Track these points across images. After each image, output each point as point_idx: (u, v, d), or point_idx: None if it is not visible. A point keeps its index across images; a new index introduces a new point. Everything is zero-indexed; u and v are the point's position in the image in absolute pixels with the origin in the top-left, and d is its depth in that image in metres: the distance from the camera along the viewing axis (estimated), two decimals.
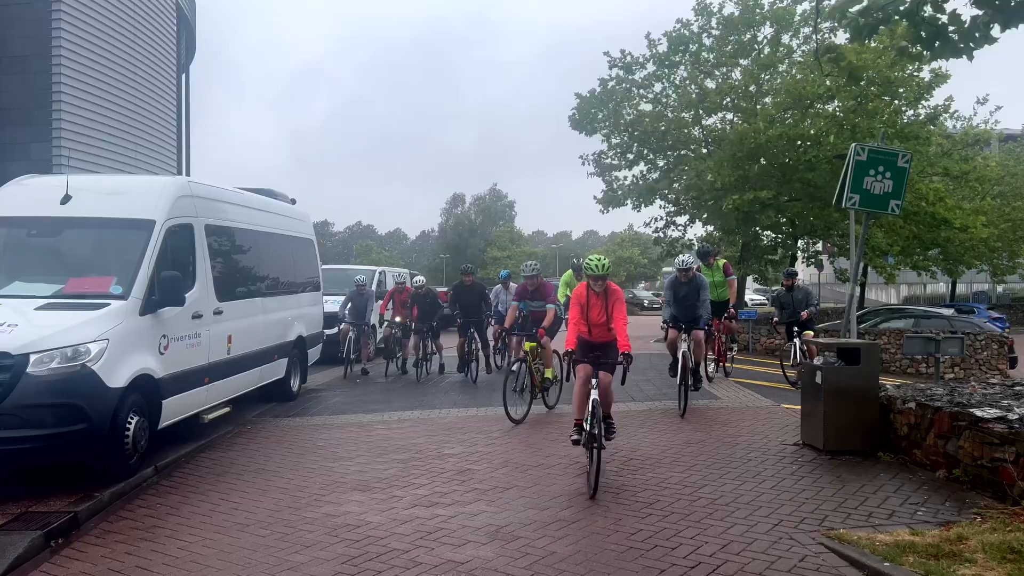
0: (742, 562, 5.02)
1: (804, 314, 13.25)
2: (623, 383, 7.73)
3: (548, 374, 10.31)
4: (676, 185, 23.62)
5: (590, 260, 7.33)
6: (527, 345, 10.08)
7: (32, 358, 6.41)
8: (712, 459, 7.69)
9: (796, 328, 13.17)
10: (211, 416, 9.03)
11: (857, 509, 6.07)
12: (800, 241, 26.27)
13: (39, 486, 6.60)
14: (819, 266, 35.23)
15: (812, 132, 20.90)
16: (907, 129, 20.82)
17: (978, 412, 6.60)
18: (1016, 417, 6.33)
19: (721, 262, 13.42)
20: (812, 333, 13.36)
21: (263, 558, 5.28)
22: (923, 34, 6.67)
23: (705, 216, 24.15)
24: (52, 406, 6.40)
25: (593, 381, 6.89)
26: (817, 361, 8.03)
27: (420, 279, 15.29)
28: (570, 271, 16.01)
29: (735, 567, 4.94)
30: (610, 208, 24.79)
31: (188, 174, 20.37)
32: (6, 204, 8.22)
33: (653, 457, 7.78)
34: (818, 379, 7.85)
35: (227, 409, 9.51)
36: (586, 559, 5.11)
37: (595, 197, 24.91)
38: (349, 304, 15.03)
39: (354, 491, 6.83)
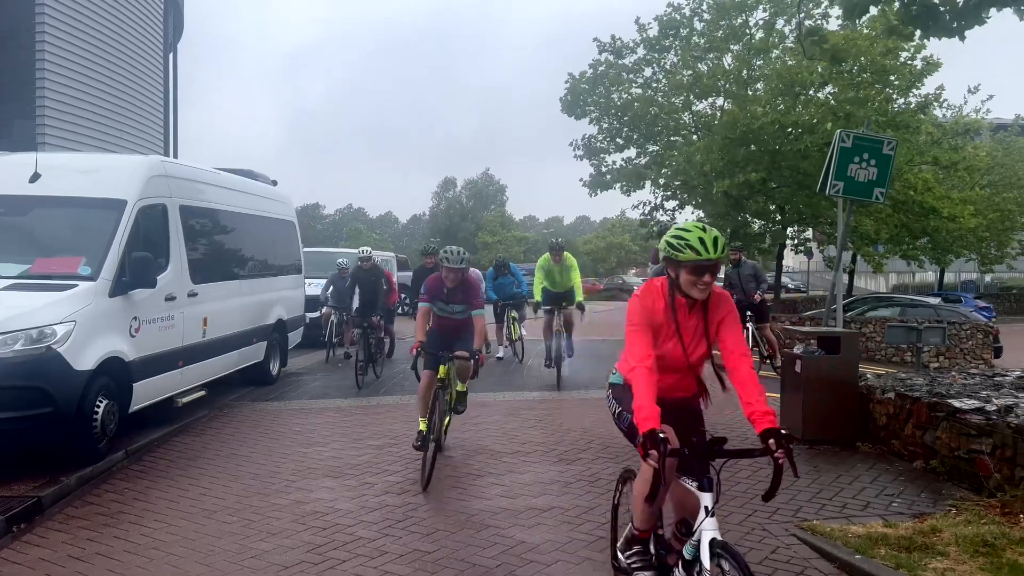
0: None
1: (756, 296, 12.52)
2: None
3: (460, 387, 7.61)
4: (666, 170, 23.50)
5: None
6: (440, 371, 6.94)
7: None
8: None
9: (749, 312, 12.37)
10: (185, 400, 8.90)
11: (832, 500, 6.01)
12: (789, 229, 26.23)
13: (3, 470, 6.47)
14: (808, 254, 35.24)
15: (805, 119, 20.79)
16: (898, 117, 20.73)
17: (956, 403, 6.54)
18: (994, 408, 6.28)
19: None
20: (768, 326, 12.74)
21: (227, 545, 5.19)
22: (915, 13, 6.57)
23: (695, 201, 24.07)
24: (16, 388, 6.26)
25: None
26: (797, 350, 7.96)
27: (365, 249, 13.28)
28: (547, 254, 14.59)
29: None
30: (598, 191, 24.66)
31: (176, 154, 20.13)
32: None
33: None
34: (798, 368, 7.78)
35: (202, 393, 9.39)
36: (555, 548, 5.04)
37: (582, 180, 24.76)
38: (331, 287, 14.87)
39: (326, 477, 6.74)
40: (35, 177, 7.80)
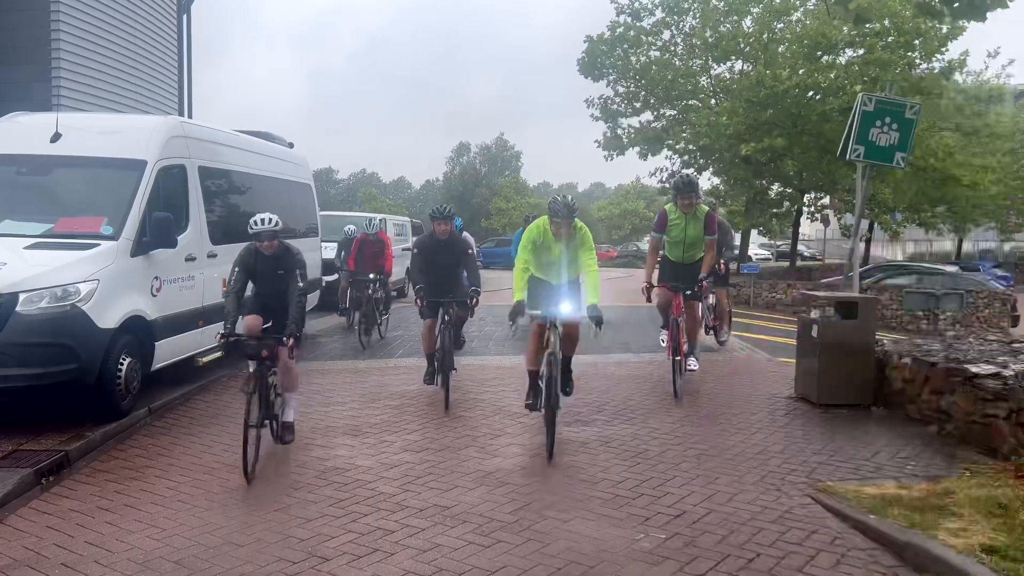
0: (726, 512, 5.02)
1: (721, 266, 10.65)
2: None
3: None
4: (685, 135, 23.29)
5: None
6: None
7: (21, 297, 6.37)
8: (704, 411, 7.68)
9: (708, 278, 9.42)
10: (205, 359, 9.02)
11: (846, 462, 6.06)
12: (806, 196, 26.02)
13: (31, 425, 6.62)
14: (825, 222, 34.96)
15: (831, 79, 20.39)
16: (921, 83, 20.40)
17: (973, 368, 6.54)
18: (1011, 374, 6.28)
19: (704, 210, 8.49)
20: (725, 292, 11.03)
21: (251, 498, 5.31)
22: None
23: (714, 167, 23.88)
24: (42, 345, 6.38)
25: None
26: (814, 315, 7.96)
27: (379, 220, 13.04)
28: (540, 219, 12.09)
29: (719, 517, 4.94)
30: (613, 154, 24.49)
31: (190, 115, 20.12)
32: None
33: (646, 408, 7.77)
34: (814, 333, 7.78)
35: (219, 354, 9.49)
36: (572, 505, 5.12)
37: (597, 142, 24.58)
38: (342, 252, 14.87)
39: (345, 435, 6.85)
40: (56, 137, 7.85)
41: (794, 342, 8.58)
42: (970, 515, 4.78)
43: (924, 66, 21.61)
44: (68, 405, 6.86)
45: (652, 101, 23.98)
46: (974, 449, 6.29)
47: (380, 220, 13.23)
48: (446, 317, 7.92)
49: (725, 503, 5.18)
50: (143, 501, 5.27)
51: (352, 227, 14.59)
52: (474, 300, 8.13)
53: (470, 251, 8.64)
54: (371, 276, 11.58)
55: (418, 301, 8.18)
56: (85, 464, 6.07)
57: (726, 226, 11.77)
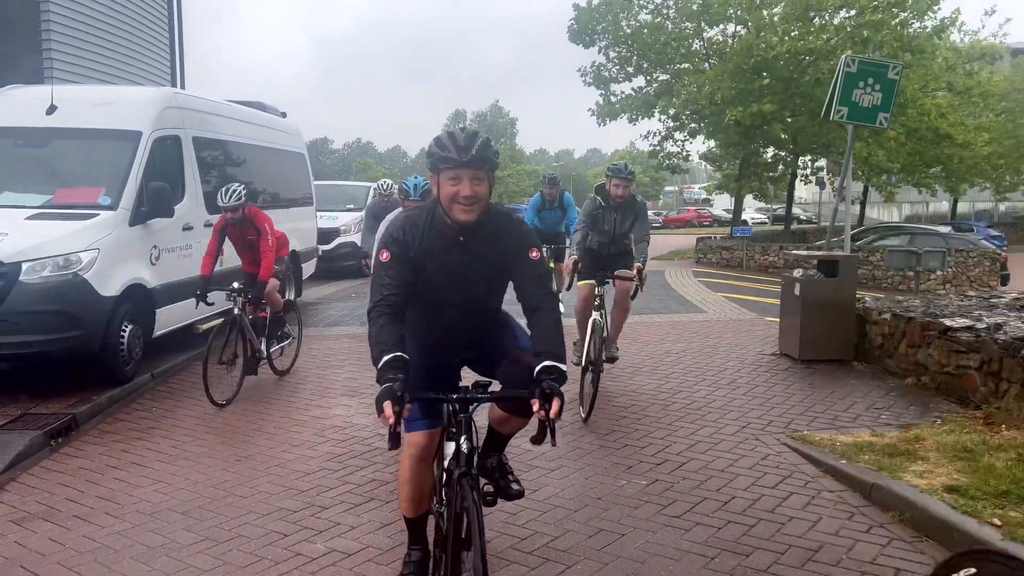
0: (706, 460, 5.28)
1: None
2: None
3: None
4: (676, 100, 23.31)
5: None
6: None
7: (24, 266, 6.56)
8: (689, 368, 7.92)
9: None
10: (205, 327, 9.21)
11: (824, 413, 6.31)
12: (801, 159, 26.09)
13: (39, 390, 6.85)
14: (820, 184, 35.05)
15: (821, 43, 20.42)
16: (913, 42, 20.39)
17: (948, 322, 6.77)
18: (984, 326, 6.51)
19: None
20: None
21: (253, 456, 5.55)
22: None
23: (706, 131, 23.92)
24: (47, 313, 6.58)
25: None
26: (797, 273, 8.17)
27: (385, 183, 9.52)
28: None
29: (699, 464, 5.20)
30: (606, 120, 24.53)
31: (182, 86, 20.11)
32: None
33: (633, 366, 8.01)
34: (797, 291, 8.00)
35: (220, 321, 9.70)
36: (558, 456, 5.37)
37: (590, 110, 24.61)
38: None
39: (343, 396, 7.09)
40: (52, 109, 7.97)
41: (776, 300, 8.82)
42: (936, 459, 5.03)
43: (916, 25, 21.57)
44: (74, 371, 7.08)
45: (644, 65, 23.95)
46: (948, 400, 6.54)
47: (386, 185, 9.73)
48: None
49: (705, 452, 5.43)
50: (149, 459, 5.51)
51: (388, 182, 10.01)
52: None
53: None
54: (234, 286, 7.12)
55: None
56: (92, 426, 6.30)
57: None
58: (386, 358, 2.74)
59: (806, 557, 3.92)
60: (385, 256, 3.00)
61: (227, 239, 7.41)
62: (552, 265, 8.98)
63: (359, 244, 12.49)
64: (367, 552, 4.02)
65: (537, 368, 2.78)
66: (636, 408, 6.48)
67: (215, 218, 9.17)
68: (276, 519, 4.45)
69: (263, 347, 7.53)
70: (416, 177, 5.87)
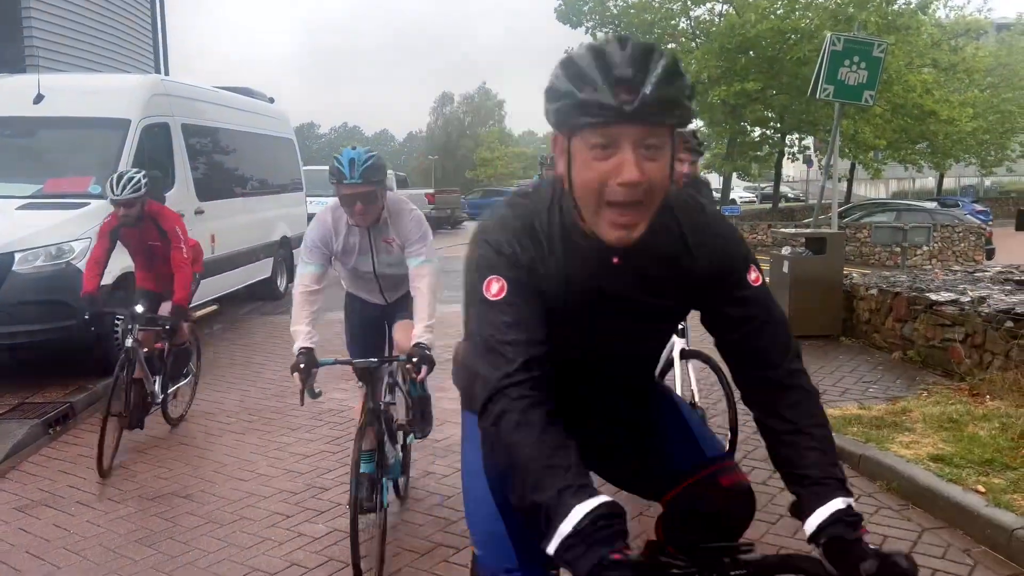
0: None
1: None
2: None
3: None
4: None
5: None
6: None
7: (17, 256, 6.57)
8: None
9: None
10: (199, 313, 9.27)
11: None
12: (788, 137, 26.21)
13: (35, 379, 6.88)
14: (808, 162, 35.22)
15: (803, 25, 20.55)
16: (898, 20, 20.48)
17: (933, 296, 6.89)
18: (968, 300, 6.63)
19: None
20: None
21: (252, 440, 5.62)
22: None
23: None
24: (40, 303, 6.60)
25: None
26: (785, 251, 8.27)
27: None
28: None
29: None
30: None
31: (167, 72, 19.98)
32: None
33: None
34: (785, 268, 8.10)
35: (215, 307, 9.76)
36: None
37: None
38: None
39: (339, 380, 7.13)
40: (39, 98, 7.94)
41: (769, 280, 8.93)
42: (922, 430, 5.15)
43: (901, 1, 21.66)
44: (69, 360, 7.11)
45: None
46: (934, 372, 6.68)
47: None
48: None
49: None
50: (147, 445, 5.56)
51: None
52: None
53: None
54: (135, 310, 5.39)
55: None
56: (89, 414, 6.34)
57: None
58: (591, 507, 1.36)
59: (797, 526, 4.02)
60: (499, 289, 1.56)
61: (124, 245, 5.65)
62: None
63: None
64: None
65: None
66: None
67: (207, 205, 9.21)
68: (278, 501, 4.52)
69: (157, 388, 5.61)
70: (355, 148, 3.76)
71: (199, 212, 9.08)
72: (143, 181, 5.25)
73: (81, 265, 6.82)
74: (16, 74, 9.34)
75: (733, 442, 4.77)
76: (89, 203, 7.29)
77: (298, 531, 4.13)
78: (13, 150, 8.01)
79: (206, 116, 9.73)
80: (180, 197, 8.67)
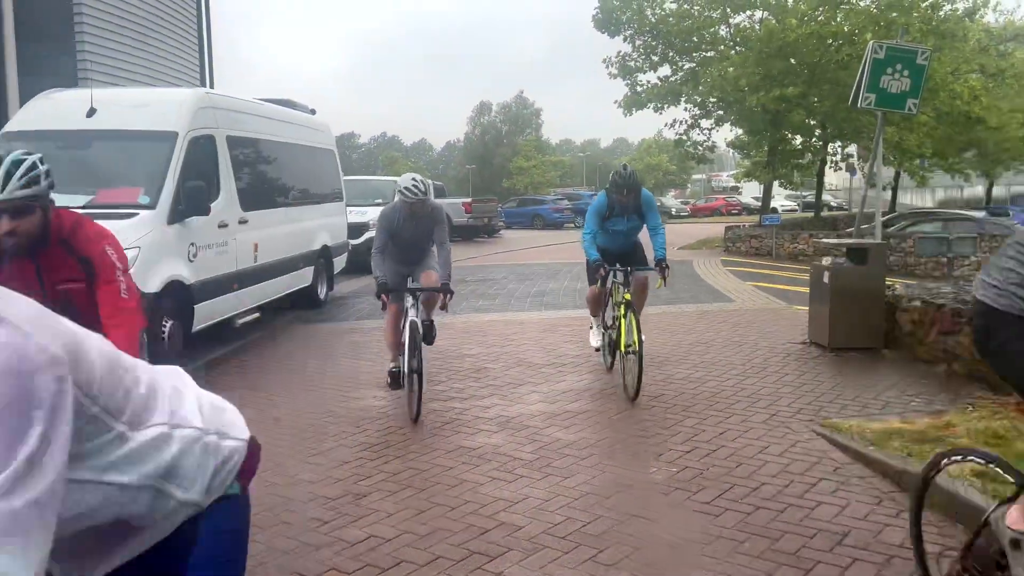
0: (735, 447, 5.35)
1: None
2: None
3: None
4: (701, 87, 23.20)
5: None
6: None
7: None
8: (718, 358, 7.97)
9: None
10: (242, 321, 9.47)
11: (853, 401, 6.34)
12: (830, 145, 25.84)
13: None
14: (851, 170, 34.63)
15: (845, 29, 20.28)
16: (942, 25, 20.09)
17: None
18: None
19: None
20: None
21: (291, 446, 5.72)
22: None
23: (733, 117, 23.80)
24: None
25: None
26: (826, 261, 8.17)
27: (415, 179, 6.45)
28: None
29: (727, 452, 5.27)
30: (632, 110, 24.48)
31: (212, 85, 20.45)
32: (35, 118, 8.49)
33: (662, 356, 8.08)
34: (825, 279, 8.00)
35: (257, 315, 9.95)
36: (589, 444, 5.47)
37: (616, 102, 24.57)
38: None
39: (376, 388, 7.24)
40: (91, 112, 8.21)
41: (806, 289, 8.82)
42: (967, 445, 5.05)
43: (947, 7, 21.23)
44: None
45: (670, 54, 23.86)
46: (979, 386, 6.53)
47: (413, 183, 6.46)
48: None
49: (734, 440, 5.50)
50: None
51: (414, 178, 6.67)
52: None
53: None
54: None
55: None
56: None
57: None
58: None
59: (835, 541, 3.99)
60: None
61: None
62: (627, 298, 6.74)
63: None
64: (404, 538, 4.15)
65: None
66: (665, 397, 6.56)
67: (250, 215, 9.41)
68: (316, 506, 4.60)
69: None
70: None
71: (243, 222, 9.28)
72: (42, 170, 3.10)
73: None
74: (71, 89, 9.65)
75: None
76: (138, 213, 7.51)
77: (336, 536, 4.20)
78: (67, 162, 8.26)
79: (250, 128, 9.95)
80: (224, 207, 8.88)
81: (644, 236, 7.39)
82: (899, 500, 4.45)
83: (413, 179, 6.49)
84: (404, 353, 6.23)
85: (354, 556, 3.98)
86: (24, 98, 10.25)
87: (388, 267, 6.79)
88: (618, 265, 7.03)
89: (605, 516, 4.34)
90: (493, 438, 5.69)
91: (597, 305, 7.53)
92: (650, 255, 7.32)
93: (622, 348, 6.60)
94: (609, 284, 7.24)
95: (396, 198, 6.65)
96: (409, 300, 6.41)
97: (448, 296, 6.45)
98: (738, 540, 4.02)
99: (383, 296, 6.45)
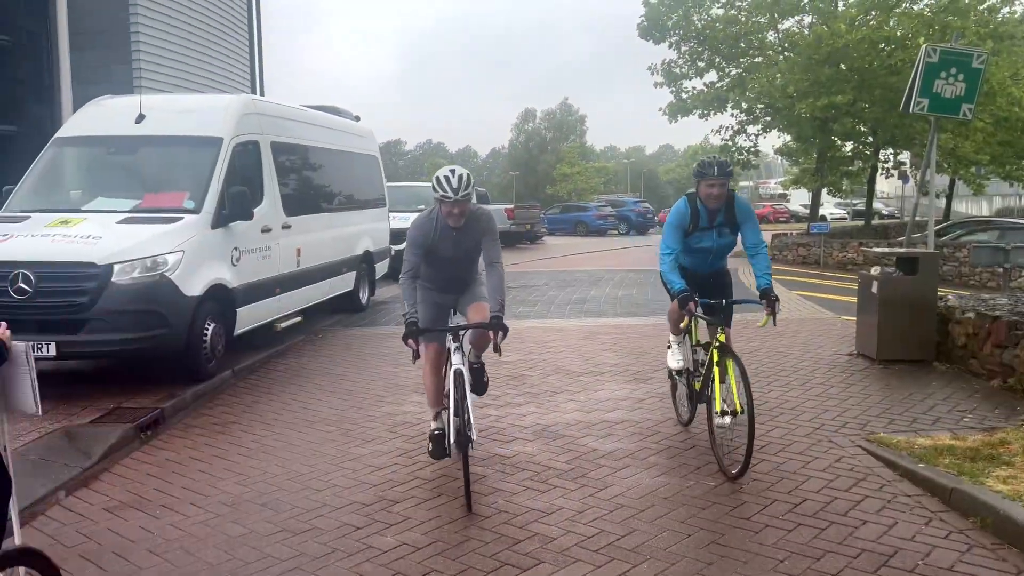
0: (777, 462, 5.20)
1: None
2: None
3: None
4: (748, 93, 22.85)
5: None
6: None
7: (116, 268, 6.92)
8: (763, 368, 7.78)
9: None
10: (284, 325, 9.55)
11: (902, 415, 6.12)
12: (882, 152, 25.22)
13: (129, 386, 7.22)
14: (903, 178, 33.76)
15: (898, 34, 19.80)
16: (1001, 28, 19.47)
17: None
18: None
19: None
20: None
21: (328, 450, 5.73)
22: None
23: (780, 124, 23.38)
24: (136, 312, 6.93)
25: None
26: (875, 271, 7.93)
27: (456, 172, 4.96)
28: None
29: (770, 466, 5.12)
30: (677, 117, 24.22)
31: (261, 92, 20.81)
32: (86, 124, 8.71)
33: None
34: (874, 289, 7.77)
35: (299, 319, 10.03)
36: (625, 455, 5.37)
37: (661, 109, 24.34)
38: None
39: (414, 393, 7.23)
40: (140, 118, 8.38)
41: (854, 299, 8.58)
42: (1022, 463, 4.83)
43: (1005, 10, 20.59)
44: (162, 367, 7.44)
45: (717, 60, 23.57)
46: None
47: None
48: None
49: (776, 454, 5.35)
50: (230, 452, 5.75)
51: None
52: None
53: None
54: None
55: None
56: (178, 420, 6.61)
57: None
58: None
59: (880, 562, 3.83)
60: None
61: None
62: (722, 340, 5.23)
63: None
64: (436, 546, 4.11)
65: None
66: (703, 409, 6.40)
67: (293, 220, 9.50)
68: (349, 512, 4.59)
69: None
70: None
71: (286, 227, 9.38)
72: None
73: (173, 277, 7.15)
74: (122, 96, 9.87)
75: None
76: (183, 218, 7.64)
77: (367, 543, 4.18)
78: (116, 167, 8.48)
79: (294, 134, 10.06)
80: (268, 212, 8.98)
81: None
82: (949, 521, 4.27)
83: (452, 170, 4.89)
84: (449, 407, 4.79)
85: (385, 564, 3.95)
86: (78, 106, 10.52)
87: (423, 296, 5.20)
88: (712, 300, 5.43)
89: (640, 530, 4.24)
90: (528, 446, 5.62)
91: (677, 323, 5.78)
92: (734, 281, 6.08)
93: (717, 409, 4.95)
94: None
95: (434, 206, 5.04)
96: (452, 340, 4.93)
97: (502, 334, 4.86)
98: (778, 559, 3.89)
99: (411, 342, 4.81)
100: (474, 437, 4.70)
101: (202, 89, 16.60)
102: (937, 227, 14.66)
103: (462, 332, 5.01)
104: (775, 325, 5.42)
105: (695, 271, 5.59)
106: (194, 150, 8.23)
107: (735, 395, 4.91)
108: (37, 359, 4.25)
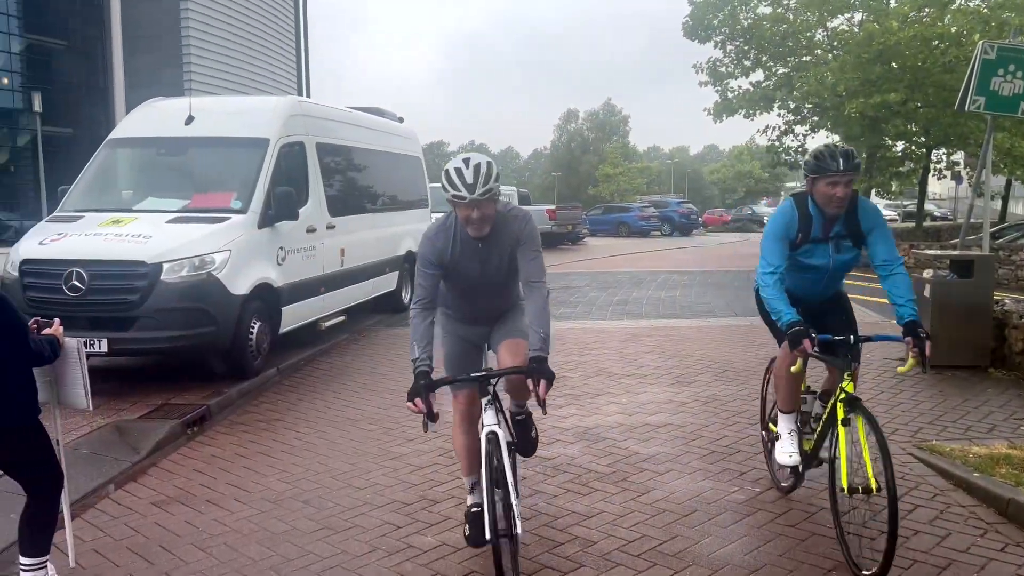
0: (824, 468, 5.06)
1: None
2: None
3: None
4: (796, 92, 22.43)
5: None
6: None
7: (165, 266, 7.07)
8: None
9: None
10: (328, 324, 9.66)
11: (955, 423, 5.94)
12: (934, 152, 24.56)
13: (177, 382, 7.37)
14: (957, 179, 32.87)
15: (952, 31, 19.25)
16: None
17: None
18: None
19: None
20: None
21: (370, 448, 5.77)
22: None
23: (829, 123, 22.90)
24: (184, 310, 7.07)
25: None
26: (927, 274, 7.72)
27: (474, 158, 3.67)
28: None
29: (816, 472, 4.98)
30: (723, 117, 23.89)
31: (308, 94, 21.14)
32: (137, 126, 8.92)
33: (748, 369, 7.79)
34: (926, 292, 7.56)
35: (342, 318, 10.13)
36: (668, 459, 5.30)
37: (706, 109, 24.03)
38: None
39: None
40: (190, 120, 8.54)
41: None
42: None
43: None
44: (208, 364, 7.57)
45: (764, 59, 23.21)
46: None
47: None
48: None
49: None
50: (274, 449, 5.82)
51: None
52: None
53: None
54: None
55: None
56: (223, 417, 6.72)
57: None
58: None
59: (933, 574, 3.72)
60: None
61: None
62: (849, 390, 3.90)
63: None
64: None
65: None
66: (750, 413, 6.30)
67: (337, 220, 9.59)
68: (390, 511, 4.61)
69: None
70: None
71: (330, 227, 9.48)
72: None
73: (220, 276, 7.27)
74: (172, 98, 10.09)
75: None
76: (230, 218, 7.76)
77: (408, 543, 4.19)
78: (166, 168, 8.66)
79: (339, 135, 10.17)
80: (313, 212, 9.09)
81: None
82: (1006, 533, 4.12)
83: (465, 159, 3.55)
84: (482, 486, 3.56)
85: (425, 563, 3.96)
86: (131, 108, 10.78)
87: (447, 328, 4.13)
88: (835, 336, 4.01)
89: (682, 535, 4.18)
90: (569, 449, 5.58)
91: (796, 392, 4.52)
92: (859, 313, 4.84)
93: (843, 485, 3.69)
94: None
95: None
96: (481, 390, 3.72)
97: (544, 384, 3.57)
98: (824, 568, 3.80)
99: (417, 401, 3.54)
100: (518, 531, 3.37)
101: (250, 91, 16.90)
102: (992, 229, 14.21)
103: (493, 382, 3.72)
104: (925, 372, 4.14)
105: (803, 296, 4.31)
106: (241, 151, 8.37)
107: (868, 465, 3.63)
108: (89, 355, 4.37)
